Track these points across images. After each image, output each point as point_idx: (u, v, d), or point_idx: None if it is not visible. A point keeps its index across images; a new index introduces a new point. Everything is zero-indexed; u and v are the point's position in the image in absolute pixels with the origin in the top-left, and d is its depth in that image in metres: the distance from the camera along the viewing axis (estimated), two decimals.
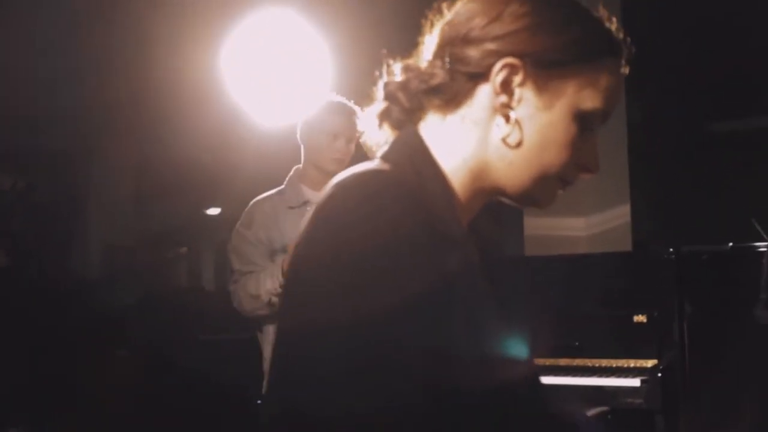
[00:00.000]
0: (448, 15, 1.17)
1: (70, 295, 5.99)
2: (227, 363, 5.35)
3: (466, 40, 1.13)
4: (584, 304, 4.05)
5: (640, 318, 3.84)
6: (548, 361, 3.93)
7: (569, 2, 1.16)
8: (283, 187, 3.34)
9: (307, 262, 1.03)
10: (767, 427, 3.69)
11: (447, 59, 1.14)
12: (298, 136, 3.31)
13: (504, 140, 1.12)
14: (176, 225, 10.44)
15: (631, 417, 3.80)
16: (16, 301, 5.25)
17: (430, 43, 1.18)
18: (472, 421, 1.02)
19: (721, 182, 6.79)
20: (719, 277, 3.98)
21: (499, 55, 1.11)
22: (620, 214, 5.25)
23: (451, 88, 1.14)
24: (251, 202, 3.34)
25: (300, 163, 3.35)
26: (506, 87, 1.12)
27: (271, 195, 3.33)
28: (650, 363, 3.75)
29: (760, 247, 3.87)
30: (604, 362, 3.88)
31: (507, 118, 1.12)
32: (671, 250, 3.85)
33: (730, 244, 3.95)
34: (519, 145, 1.12)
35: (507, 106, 1.12)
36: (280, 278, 3.00)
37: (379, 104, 1.20)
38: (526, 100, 1.12)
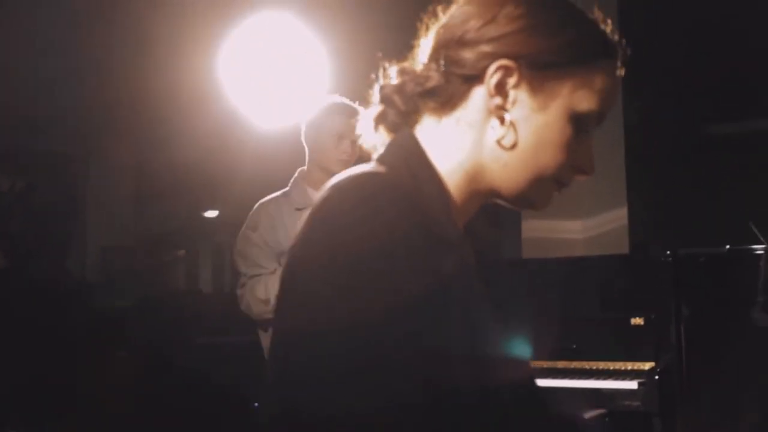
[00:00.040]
0: (444, 18, 1.18)
1: (69, 297, 5.98)
2: (225, 365, 5.35)
3: (461, 43, 1.14)
4: (582, 306, 4.05)
5: (637, 320, 3.84)
6: (546, 364, 3.93)
7: (564, 4, 1.17)
8: (287, 188, 3.33)
9: (304, 263, 1.03)
10: (765, 429, 3.70)
11: (442, 62, 1.14)
12: (302, 137, 3.30)
13: (499, 142, 1.13)
14: (174, 227, 10.44)
15: (628, 419, 3.80)
16: (14, 302, 5.24)
17: (425, 46, 1.19)
18: (470, 421, 1.02)
19: (718, 185, 6.80)
20: (716, 279, 3.98)
21: (494, 57, 1.12)
22: (617, 217, 5.25)
23: (446, 91, 1.14)
24: (256, 205, 3.33)
25: (299, 164, 3.34)
26: (501, 89, 1.12)
27: (277, 197, 3.32)
28: (647, 365, 3.75)
29: (757, 249, 3.87)
30: (602, 365, 3.88)
31: (502, 120, 1.13)
32: (668, 252, 3.85)
33: (727, 246, 3.95)
34: (514, 146, 1.13)
35: (502, 108, 1.13)
36: None
37: (375, 107, 1.20)
38: (521, 101, 1.13)
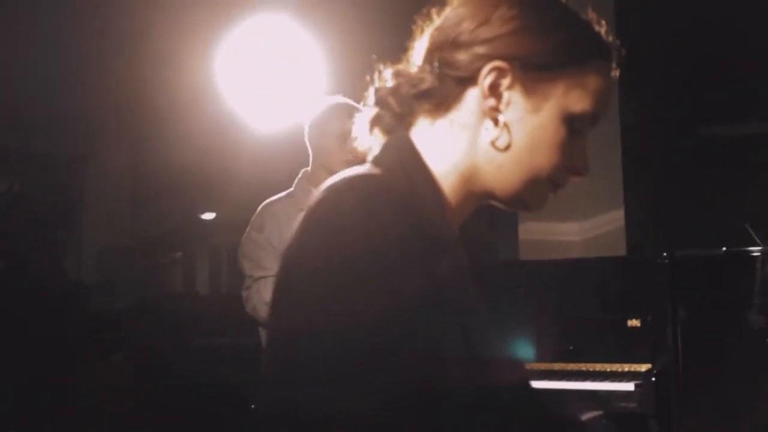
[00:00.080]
0: (438, 20, 1.18)
1: (66, 299, 5.98)
2: (222, 367, 5.35)
3: (455, 44, 1.14)
4: (578, 308, 4.04)
5: (634, 322, 3.84)
6: (542, 366, 3.92)
7: (558, 5, 1.17)
8: (292, 189, 3.32)
9: (299, 264, 1.04)
10: (762, 431, 3.70)
11: (436, 64, 1.15)
12: (305, 138, 3.28)
13: (493, 143, 1.13)
14: (171, 229, 10.44)
15: (625, 421, 3.80)
16: (11, 304, 5.24)
17: (420, 47, 1.19)
18: (466, 422, 1.02)
19: (714, 186, 6.80)
20: (713, 281, 3.98)
21: (487, 58, 1.12)
22: (614, 219, 5.25)
23: (440, 93, 1.15)
24: (260, 206, 3.31)
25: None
26: (494, 90, 1.13)
27: (281, 198, 3.31)
28: (644, 367, 3.75)
29: (753, 251, 3.88)
30: (598, 366, 3.87)
31: (496, 122, 1.13)
32: (665, 254, 3.85)
33: (724, 248, 3.95)
34: (508, 148, 1.13)
35: (495, 110, 1.13)
36: None
37: (371, 110, 1.21)
38: (515, 103, 1.13)
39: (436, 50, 1.16)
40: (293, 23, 4.10)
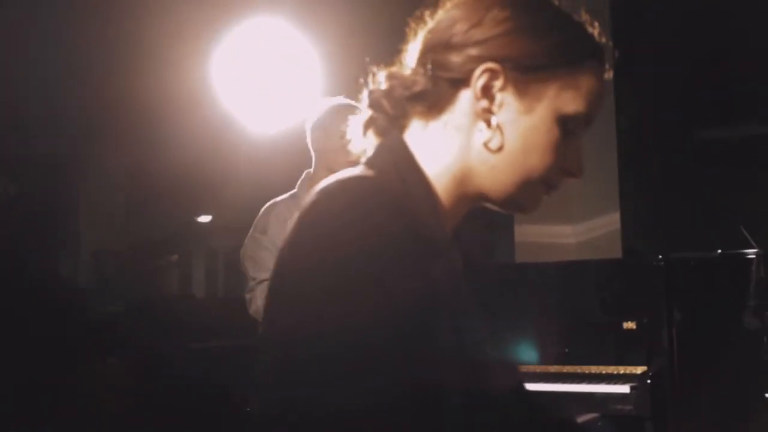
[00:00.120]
0: (431, 22, 1.19)
1: (62, 301, 5.97)
2: (217, 370, 5.34)
3: (448, 46, 1.14)
4: (574, 310, 4.04)
5: (629, 324, 3.84)
6: (538, 368, 3.93)
7: (550, 7, 1.17)
8: (295, 191, 3.31)
9: (293, 266, 1.04)
10: None
11: (429, 66, 1.15)
12: (308, 140, 3.27)
13: (486, 145, 1.13)
14: (167, 232, 10.44)
15: (620, 423, 3.80)
16: (7, 306, 5.23)
17: (413, 50, 1.19)
18: (459, 424, 1.03)
19: (709, 189, 6.81)
20: (708, 283, 3.98)
21: (480, 60, 1.12)
22: (610, 221, 5.26)
23: (433, 95, 1.15)
24: (264, 208, 3.30)
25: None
26: (487, 92, 1.13)
27: (285, 199, 3.29)
28: (640, 369, 3.75)
29: (748, 254, 3.88)
30: (594, 369, 3.87)
31: (488, 123, 1.13)
32: (660, 256, 3.85)
33: (719, 251, 3.95)
34: (501, 149, 1.13)
35: (488, 111, 1.13)
36: None
37: (365, 112, 1.21)
38: (508, 104, 1.13)
39: (429, 52, 1.16)
40: (289, 26, 4.10)
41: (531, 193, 1.17)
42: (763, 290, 3.78)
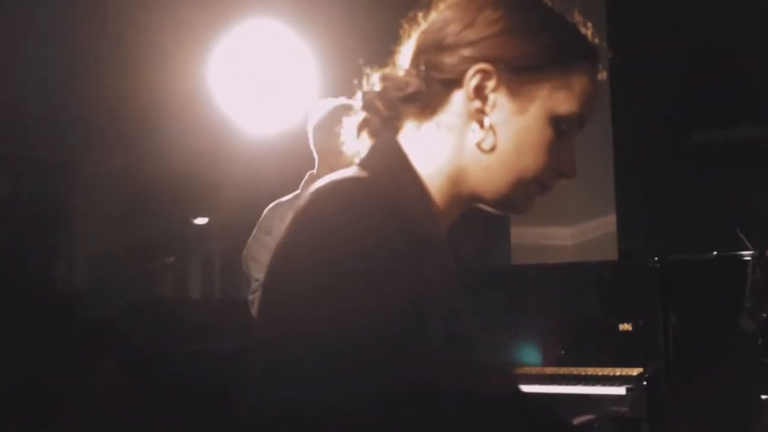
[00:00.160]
0: (424, 24, 1.19)
1: (57, 304, 5.96)
2: (214, 372, 5.34)
3: (441, 47, 1.15)
4: (570, 312, 4.05)
5: (625, 326, 3.84)
6: (534, 369, 3.93)
7: (543, 7, 1.18)
8: (298, 191, 3.32)
9: (287, 266, 1.04)
10: None
11: (422, 67, 1.15)
12: (310, 142, 3.27)
13: (479, 145, 1.13)
14: (163, 234, 10.42)
15: (616, 425, 3.81)
16: (5, 307, 5.22)
17: (407, 51, 1.20)
18: (454, 424, 1.03)
19: (706, 191, 6.81)
20: (704, 285, 3.98)
21: (472, 61, 1.13)
22: (606, 223, 5.26)
23: (426, 96, 1.15)
24: (267, 208, 3.29)
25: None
26: (479, 92, 1.13)
27: (289, 200, 3.29)
28: (636, 371, 3.75)
29: (744, 255, 3.89)
30: (590, 370, 3.88)
31: (481, 124, 1.13)
32: (656, 258, 3.86)
33: (715, 252, 3.96)
34: (494, 149, 1.13)
35: (481, 112, 1.13)
36: None
37: (358, 113, 1.21)
38: (500, 105, 1.13)
39: (422, 53, 1.16)
40: (285, 28, 4.10)
41: (524, 194, 1.17)
42: (759, 292, 3.79)
